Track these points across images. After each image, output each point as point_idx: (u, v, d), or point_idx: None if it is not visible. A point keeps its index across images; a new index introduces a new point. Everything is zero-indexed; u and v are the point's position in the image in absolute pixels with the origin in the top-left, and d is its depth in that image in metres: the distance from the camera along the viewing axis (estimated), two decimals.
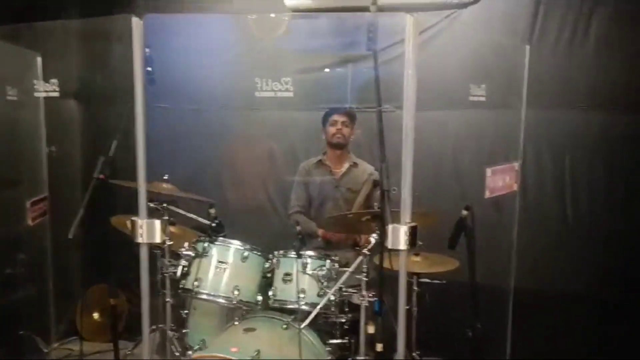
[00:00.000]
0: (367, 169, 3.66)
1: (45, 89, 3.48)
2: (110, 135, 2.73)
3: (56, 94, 3.49)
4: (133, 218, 1.94)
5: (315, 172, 3.67)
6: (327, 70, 3.82)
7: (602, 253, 3.42)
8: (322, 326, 2.97)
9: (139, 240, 1.91)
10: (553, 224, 3.48)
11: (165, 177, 3.18)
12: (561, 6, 3.46)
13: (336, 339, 2.93)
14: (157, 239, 1.97)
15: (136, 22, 1.93)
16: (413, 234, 1.88)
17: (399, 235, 1.88)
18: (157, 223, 1.95)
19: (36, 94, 3.48)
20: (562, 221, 3.49)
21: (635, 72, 3.37)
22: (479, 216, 2.75)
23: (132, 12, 2.01)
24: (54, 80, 3.50)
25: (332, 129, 3.59)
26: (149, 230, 1.92)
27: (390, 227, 1.89)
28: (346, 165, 3.65)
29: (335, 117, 3.59)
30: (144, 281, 1.90)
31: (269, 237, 3.57)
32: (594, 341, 3.39)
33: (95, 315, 4.10)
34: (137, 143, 1.88)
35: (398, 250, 1.94)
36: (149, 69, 2.79)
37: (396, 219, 1.96)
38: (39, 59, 3.54)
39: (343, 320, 2.93)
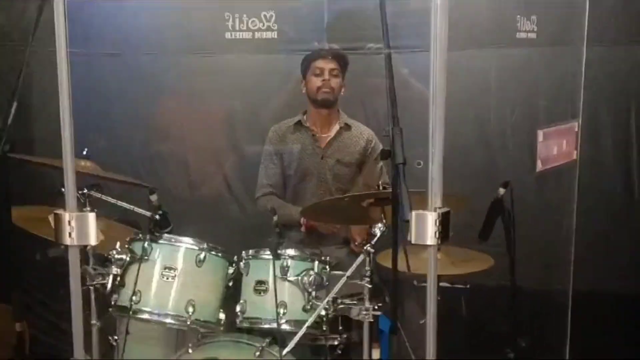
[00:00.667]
0: (363, 133, 3.70)
1: None
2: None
3: None
4: (57, 211, 1.93)
5: (293, 138, 3.68)
6: None
7: None
8: (307, 351, 3.03)
9: (68, 242, 1.91)
10: (619, 204, 3.58)
11: (85, 153, 3.15)
12: None
13: None
14: (92, 240, 1.97)
15: None
16: (445, 223, 1.92)
17: (425, 226, 1.92)
18: (92, 217, 1.95)
19: None
20: (631, 200, 3.60)
21: None
22: (524, 196, 2.80)
23: None
24: None
25: (316, 80, 3.60)
26: (79, 228, 1.92)
27: (413, 214, 1.93)
28: (335, 128, 3.68)
29: (320, 63, 3.60)
30: (75, 297, 1.91)
31: (232, 231, 3.59)
32: None
33: None
34: (61, 106, 1.87)
35: (423, 246, 1.98)
36: None
37: (418, 204, 2.01)
38: None
39: (335, 343, 2.98)
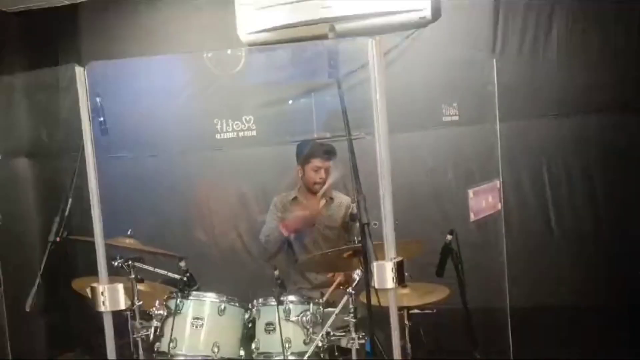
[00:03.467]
0: (343, 202, 3.54)
1: None
2: (62, 193, 2.62)
3: None
4: (92, 285, 1.80)
5: (292, 210, 3.50)
6: (290, 102, 3.75)
7: (591, 260, 3.43)
8: None
9: (102, 309, 1.77)
10: (538, 237, 3.49)
11: (129, 232, 3.04)
12: (520, 13, 3.51)
13: None
14: (122, 305, 1.83)
15: (79, 71, 1.84)
16: (400, 269, 1.79)
17: (384, 274, 1.78)
18: (120, 287, 1.82)
19: None
20: (548, 233, 3.50)
21: (600, 72, 3.41)
22: (466, 239, 2.70)
23: (78, 62, 1.93)
24: None
25: (314, 176, 3.38)
26: (111, 297, 1.78)
27: (375, 265, 1.79)
28: (322, 202, 3.47)
29: (319, 163, 3.36)
30: (110, 352, 1.76)
31: (247, 284, 3.44)
32: (599, 349, 3.33)
33: None
34: (91, 199, 1.76)
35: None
36: (101, 119, 2.69)
37: (380, 253, 1.88)
38: None
39: None
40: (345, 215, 3.50)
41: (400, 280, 1.79)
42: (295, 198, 3.52)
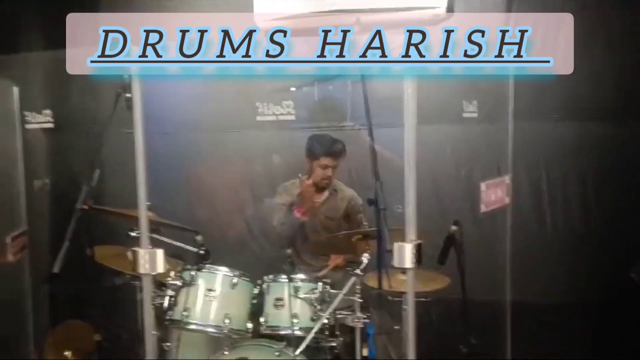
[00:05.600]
0: (346, 195, 3.66)
1: (38, 120, 3.45)
2: (85, 164, 2.73)
3: (50, 125, 3.46)
4: (135, 248, 1.96)
5: (296, 194, 3.62)
6: (330, 87, 3.85)
7: (592, 259, 3.58)
8: (313, 351, 3.02)
9: (142, 271, 1.93)
10: (538, 233, 3.65)
11: (148, 204, 3.17)
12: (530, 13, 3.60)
13: None
14: (161, 269, 1.99)
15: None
16: (419, 251, 1.96)
17: (404, 254, 1.95)
18: (160, 253, 1.97)
19: (27, 126, 3.44)
20: (547, 230, 3.67)
21: (602, 80, 3.57)
22: (473, 231, 2.83)
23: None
24: (47, 112, 3.47)
25: (321, 172, 3.49)
26: (151, 261, 1.94)
27: (396, 246, 1.96)
28: (325, 194, 3.64)
29: (328, 160, 3.48)
30: (147, 314, 1.92)
31: (252, 261, 3.59)
32: (595, 347, 3.51)
33: (68, 354, 3.99)
34: (137, 172, 1.91)
35: (403, 269, 2.01)
36: (128, 95, 2.82)
37: (397, 238, 2.05)
38: (16, 89, 3.50)
39: (334, 344, 2.96)
40: (347, 207, 3.65)
41: (418, 261, 1.95)
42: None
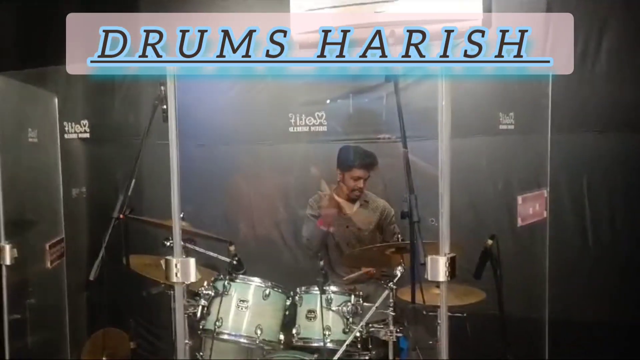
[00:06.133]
0: (378, 207, 3.64)
1: (76, 130, 3.56)
2: (122, 174, 2.79)
3: (86, 135, 3.57)
4: (167, 257, 1.98)
5: (325, 205, 3.62)
6: (366, 100, 3.84)
7: (630, 278, 3.46)
8: None
9: (174, 279, 1.95)
10: (579, 249, 3.55)
11: (182, 215, 3.22)
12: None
13: None
14: (192, 278, 2.01)
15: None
16: (452, 265, 1.93)
17: (438, 267, 1.93)
18: (192, 262, 1.99)
19: (66, 136, 3.55)
20: (588, 245, 3.56)
21: None
22: (510, 245, 2.77)
23: None
24: (85, 122, 3.57)
25: (353, 184, 3.50)
26: (183, 270, 1.96)
27: (428, 259, 1.94)
28: (357, 205, 3.63)
29: (360, 172, 3.48)
30: (179, 323, 1.95)
31: (287, 273, 3.59)
32: None
33: None
34: (171, 182, 1.94)
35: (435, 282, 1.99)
36: (164, 106, 2.88)
37: (430, 251, 2.02)
38: (56, 100, 3.62)
39: (367, 358, 2.92)
40: (380, 219, 3.63)
41: (452, 274, 1.93)
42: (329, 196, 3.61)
